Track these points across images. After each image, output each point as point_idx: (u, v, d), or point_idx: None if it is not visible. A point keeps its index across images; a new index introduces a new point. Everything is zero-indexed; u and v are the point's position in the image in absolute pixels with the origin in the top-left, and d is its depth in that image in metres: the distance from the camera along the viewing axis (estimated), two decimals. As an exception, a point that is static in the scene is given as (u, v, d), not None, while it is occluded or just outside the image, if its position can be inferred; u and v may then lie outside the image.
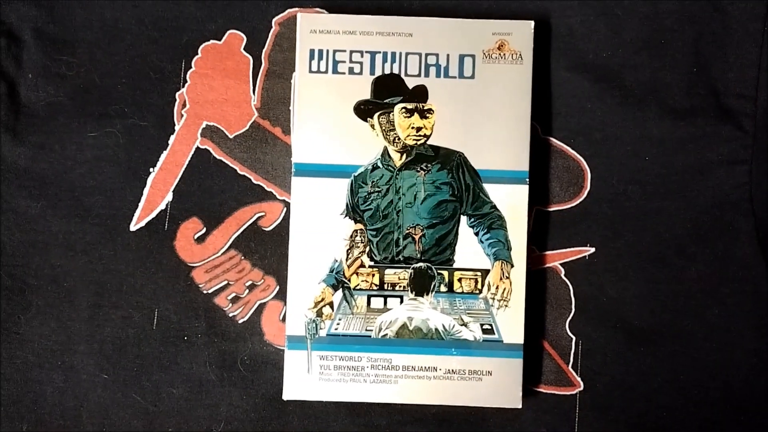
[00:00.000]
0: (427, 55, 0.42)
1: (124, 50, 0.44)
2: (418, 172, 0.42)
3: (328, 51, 0.42)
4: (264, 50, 0.45)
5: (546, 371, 0.44)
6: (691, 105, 0.44)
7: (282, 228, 0.44)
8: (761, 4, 0.43)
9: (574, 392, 0.44)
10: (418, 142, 0.42)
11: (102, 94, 0.44)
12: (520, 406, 0.41)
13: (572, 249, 0.44)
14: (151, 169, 0.44)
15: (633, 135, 0.44)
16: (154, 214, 0.44)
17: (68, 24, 0.44)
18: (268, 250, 0.44)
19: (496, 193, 0.42)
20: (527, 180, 0.42)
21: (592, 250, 0.44)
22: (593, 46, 0.44)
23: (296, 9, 0.44)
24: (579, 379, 0.44)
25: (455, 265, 0.42)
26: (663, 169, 0.44)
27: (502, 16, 0.43)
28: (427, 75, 0.42)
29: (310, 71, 0.42)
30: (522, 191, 0.42)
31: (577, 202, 0.44)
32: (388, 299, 0.42)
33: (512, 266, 0.42)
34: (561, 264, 0.44)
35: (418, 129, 0.42)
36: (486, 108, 0.42)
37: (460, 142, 0.42)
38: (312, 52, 0.42)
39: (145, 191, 0.44)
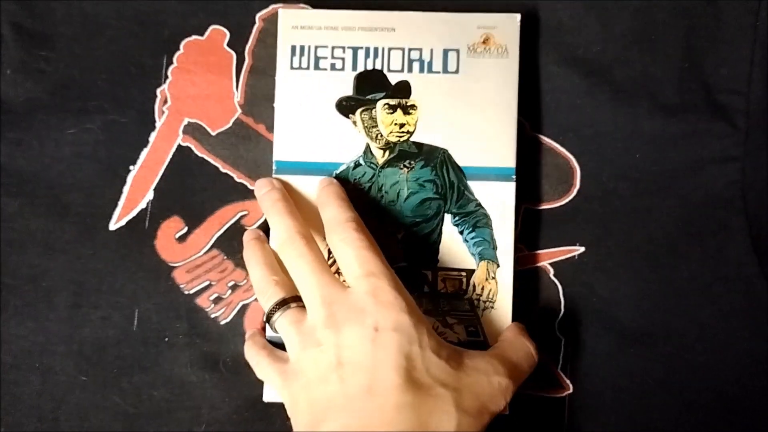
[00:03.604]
0: (410, 50, 0.41)
1: (104, 45, 0.44)
2: (401, 169, 0.41)
3: (309, 47, 0.41)
4: (247, 46, 0.44)
5: (534, 373, 0.42)
6: (682, 101, 0.43)
7: (265, 227, 0.43)
8: (753, -2, 0.43)
9: (563, 395, 0.43)
10: (401, 139, 0.41)
11: (81, 90, 0.43)
12: (507, 412, 0.40)
13: (561, 248, 0.43)
14: (131, 167, 0.43)
15: (624, 132, 0.43)
16: (134, 213, 0.43)
17: (47, 19, 0.44)
18: (251, 249, 0.43)
19: (481, 190, 0.41)
20: (514, 177, 0.41)
21: (582, 249, 0.43)
22: (583, 40, 0.44)
23: (280, 5, 0.43)
24: (568, 381, 0.43)
25: (439, 265, 0.41)
26: (654, 167, 0.43)
27: (489, 10, 0.42)
28: (410, 70, 0.41)
29: (292, 67, 0.41)
30: (508, 188, 0.41)
31: (567, 200, 0.43)
32: None
33: (498, 266, 0.41)
34: (550, 263, 0.43)
35: (401, 125, 0.41)
36: (471, 103, 0.41)
37: (445, 138, 0.41)
38: (293, 48, 0.41)
39: (125, 189, 0.43)
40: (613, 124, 0.43)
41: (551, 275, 0.43)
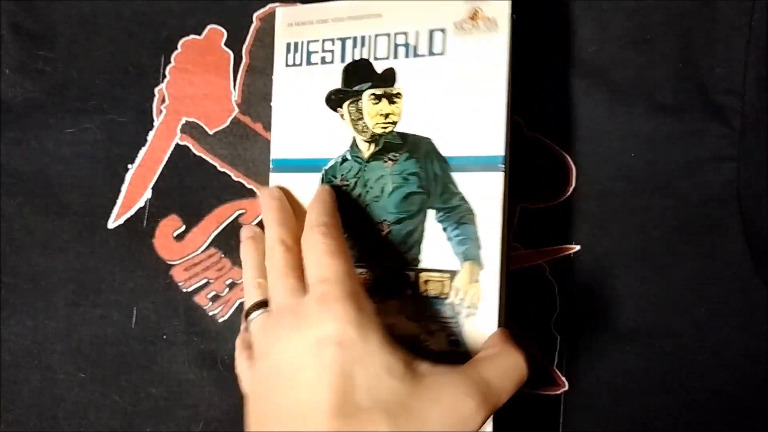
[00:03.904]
0: (396, 34, 0.39)
1: (102, 45, 0.44)
2: (386, 162, 0.39)
3: (302, 43, 0.41)
4: (245, 45, 0.44)
5: (530, 371, 0.43)
6: (678, 101, 0.43)
7: (263, 226, 0.43)
8: (748, -2, 0.43)
9: (558, 392, 0.43)
10: (386, 130, 0.39)
11: (80, 90, 0.44)
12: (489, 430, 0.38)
13: (557, 246, 0.43)
14: (129, 166, 0.43)
15: (620, 131, 0.43)
16: (132, 212, 0.43)
17: (46, 19, 0.44)
18: (249, 247, 0.43)
19: (466, 182, 0.37)
20: (502, 166, 0.37)
21: (578, 247, 0.43)
22: (579, 41, 0.44)
23: (277, 4, 0.44)
24: (564, 378, 0.43)
25: (421, 265, 0.38)
26: (650, 166, 0.43)
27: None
28: (396, 56, 0.39)
29: (287, 65, 0.41)
30: (495, 179, 0.37)
31: (563, 199, 0.44)
32: None
33: (482, 268, 0.37)
34: (546, 262, 0.43)
35: (387, 115, 0.39)
36: (457, 86, 0.37)
37: (429, 126, 0.38)
38: (288, 45, 0.41)
39: (124, 188, 0.43)
40: (609, 123, 0.43)
41: (547, 273, 0.43)
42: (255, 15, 0.44)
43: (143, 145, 0.44)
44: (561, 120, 0.44)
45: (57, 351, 0.43)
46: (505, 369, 0.33)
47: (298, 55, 0.41)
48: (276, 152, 0.41)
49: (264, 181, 0.43)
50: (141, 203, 0.43)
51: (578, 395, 0.43)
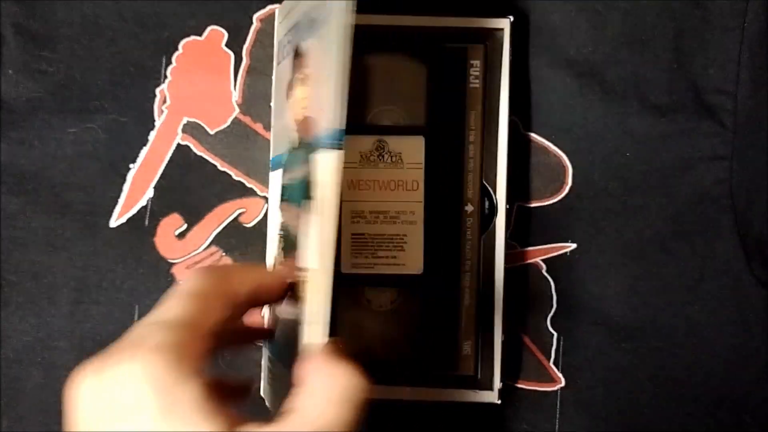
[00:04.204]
0: (311, 9, 0.32)
1: (104, 46, 0.44)
2: (299, 150, 0.33)
3: (283, 39, 0.39)
4: (245, 46, 0.45)
5: (526, 367, 0.44)
6: (672, 101, 0.44)
7: (263, 224, 0.44)
8: (741, 0, 0.43)
9: (555, 388, 0.44)
10: (303, 115, 0.33)
11: (82, 90, 0.44)
12: None
13: (553, 245, 0.44)
14: (131, 165, 0.44)
15: (614, 131, 0.44)
16: (134, 211, 0.44)
17: (49, 20, 0.44)
18: (249, 246, 0.44)
19: (315, 165, 0.29)
20: (337, 143, 0.27)
21: (574, 246, 0.44)
22: (574, 42, 0.44)
23: (276, 5, 0.44)
24: (560, 375, 0.44)
25: (298, 263, 0.31)
26: (644, 165, 0.44)
27: (483, 13, 0.43)
28: (311, 35, 0.32)
29: (278, 63, 0.41)
30: (330, 159, 0.27)
31: (559, 198, 0.44)
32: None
33: (313, 269, 0.28)
34: (542, 260, 0.44)
35: (303, 100, 0.33)
36: (323, 56, 0.30)
37: (312, 106, 0.32)
38: (279, 43, 0.41)
39: (125, 187, 0.44)
40: (603, 123, 0.44)
41: (544, 271, 0.44)
42: (255, 16, 0.44)
43: (145, 144, 0.44)
44: (556, 120, 0.44)
45: (59, 348, 0.43)
46: (337, 398, 0.26)
47: (282, 51, 0.39)
48: (274, 151, 0.42)
49: (264, 181, 0.44)
50: (143, 202, 0.44)
51: (574, 392, 0.44)
